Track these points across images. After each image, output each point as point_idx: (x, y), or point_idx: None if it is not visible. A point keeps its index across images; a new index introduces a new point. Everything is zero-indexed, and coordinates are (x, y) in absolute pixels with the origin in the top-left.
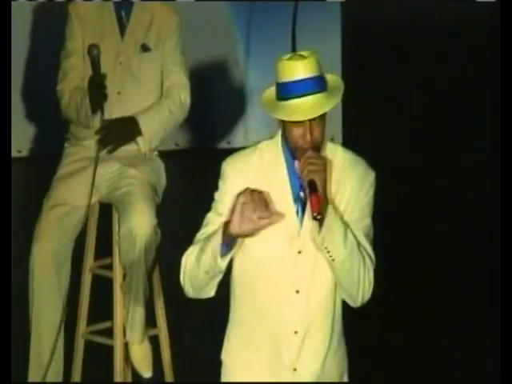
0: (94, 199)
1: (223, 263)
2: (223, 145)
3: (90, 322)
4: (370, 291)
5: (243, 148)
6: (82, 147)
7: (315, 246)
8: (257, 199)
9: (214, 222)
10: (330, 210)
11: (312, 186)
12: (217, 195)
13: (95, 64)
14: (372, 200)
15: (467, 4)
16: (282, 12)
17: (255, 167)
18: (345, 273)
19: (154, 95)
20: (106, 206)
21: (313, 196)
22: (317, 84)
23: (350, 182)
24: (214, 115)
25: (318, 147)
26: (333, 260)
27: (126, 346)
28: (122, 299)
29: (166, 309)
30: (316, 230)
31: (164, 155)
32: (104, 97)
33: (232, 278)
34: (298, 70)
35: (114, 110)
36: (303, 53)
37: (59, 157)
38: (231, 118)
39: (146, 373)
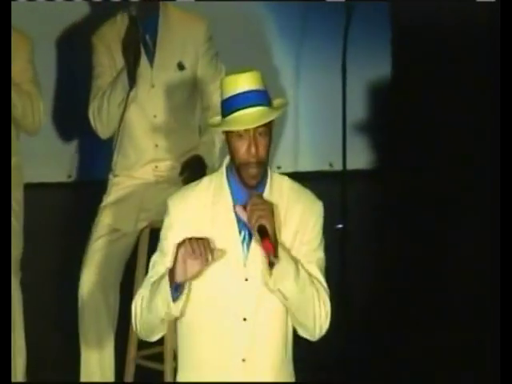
0: (144, 224)
1: (177, 308)
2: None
3: (140, 346)
4: (328, 323)
5: (294, 173)
6: (128, 177)
7: (263, 275)
8: (196, 246)
9: (159, 263)
10: (280, 251)
11: (262, 231)
12: (161, 233)
13: (133, 20)
14: (321, 231)
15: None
16: (331, 23)
17: (200, 199)
18: (299, 308)
19: (191, 114)
20: (157, 231)
21: (265, 242)
22: (260, 97)
23: (297, 214)
24: None
25: (262, 163)
26: (286, 299)
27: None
28: (173, 324)
29: None
30: (267, 272)
31: None
32: (139, 54)
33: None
34: (241, 83)
35: (150, 132)
36: (245, 68)
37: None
38: (281, 141)
39: None
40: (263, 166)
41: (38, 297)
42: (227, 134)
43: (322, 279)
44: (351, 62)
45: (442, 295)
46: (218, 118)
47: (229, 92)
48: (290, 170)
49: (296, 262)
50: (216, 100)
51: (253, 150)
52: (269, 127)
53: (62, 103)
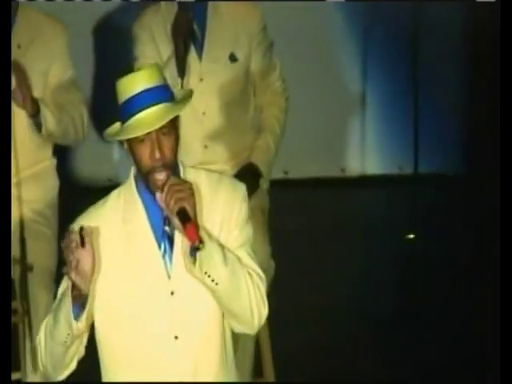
0: None
1: (80, 325)
2: (336, 173)
3: None
4: (266, 310)
5: (360, 177)
6: None
7: (190, 284)
8: (72, 240)
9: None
10: (203, 233)
11: (184, 215)
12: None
13: (183, 5)
14: (247, 215)
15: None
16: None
17: (110, 217)
18: (232, 296)
19: (243, 112)
20: None
21: (187, 225)
22: (158, 94)
23: (220, 202)
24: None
25: (169, 166)
26: (216, 284)
27: None
28: None
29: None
30: (189, 259)
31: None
32: (189, 42)
33: (98, 334)
34: (135, 83)
35: (199, 132)
36: (140, 67)
37: None
38: (345, 142)
39: None
40: (171, 169)
41: None
42: (128, 141)
43: (254, 263)
44: (422, 58)
45: None
46: (117, 126)
47: (124, 95)
48: (356, 172)
49: (221, 245)
50: (268, 99)
51: (157, 154)
52: (174, 124)
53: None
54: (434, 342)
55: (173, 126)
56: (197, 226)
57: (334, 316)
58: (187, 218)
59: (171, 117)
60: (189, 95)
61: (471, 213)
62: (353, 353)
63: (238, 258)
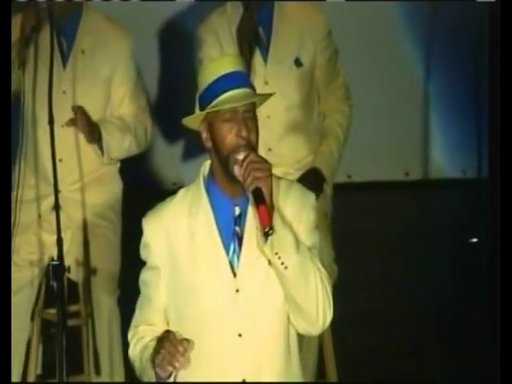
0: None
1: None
2: (400, 176)
3: None
4: (331, 314)
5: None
6: None
7: (256, 282)
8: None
9: (148, 281)
10: (276, 217)
11: (259, 195)
12: (141, 252)
13: (248, 7)
14: (315, 223)
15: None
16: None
17: (176, 212)
18: (300, 284)
19: (308, 117)
20: None
21: (260, 207)
22: (245, 78)
23: (289, 210)
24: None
25: (253, 147)
26: (285, 268)
27: None
28: None
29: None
30: (262, 240)
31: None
32: (254, 45)
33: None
34: (223, 65)
35: (263, 134)
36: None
37: None
38: (407, 144)
39: None
40: (253, 151)
41: None
42: (209, 123)
43: (322, 268)
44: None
45: None
46: (199, 112)
47: (212, 76)
48: (418, 176)
49: (295, 233)
50: (331, 105)
51: (244, 132)
52: (255, 114)
53: None
54: (495, 342)
55: (254, 113)
56: (270, 209)
57: (398, 317)
58: (261, 200)
59: (259, 99)
60: (268, 94)
61: None
62: (416, 353)
63: (310, 251)
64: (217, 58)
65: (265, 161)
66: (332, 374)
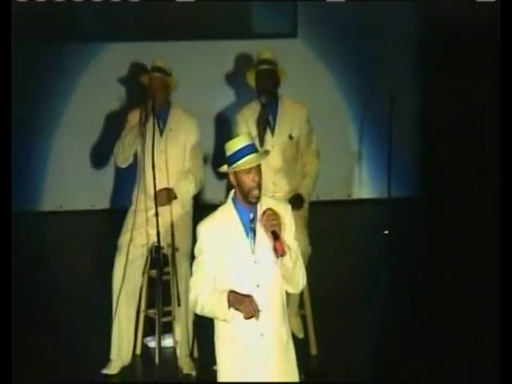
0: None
1: (232, 316)
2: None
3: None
4: (305, 281)
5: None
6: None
7: (265, 257)
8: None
9: (200, 272)
10: (285, 247)
11: (275, 234)
12: (195, 250)
13: (264, 106)
14: (293, 224)
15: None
16: None
17: (220, 221)
18: (292, 275)
19: (295, 165)
20: None
21: (277, 243)
22: (254, 147)
23: (282, 215)
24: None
25: (260, 187)
26: (287, 269)
27: None
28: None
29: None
30: (276, 256)
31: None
32: (266, 127)
33: None
34: (240, 142)
35: (272, 175)
36: (239, 133)
37: None
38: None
39: None
40: (261, 189)
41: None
42: (235, 173)
43: (298, 249)
44: None
45: None
46: (225, 166)
47: (234, 148)
48: (354, 197)
49: (290, 249)
50: (309, 159)
51: (256, 178)
52: (260, 166)
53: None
54: None
55: (259, 166)
56: (282, 243)
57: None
58: (277, 238)
59: (264, 158)
60: (267, 152)
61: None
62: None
63: (296, 249)
64: (238, 136)
65: (276, 213)
66: (308, 309)
